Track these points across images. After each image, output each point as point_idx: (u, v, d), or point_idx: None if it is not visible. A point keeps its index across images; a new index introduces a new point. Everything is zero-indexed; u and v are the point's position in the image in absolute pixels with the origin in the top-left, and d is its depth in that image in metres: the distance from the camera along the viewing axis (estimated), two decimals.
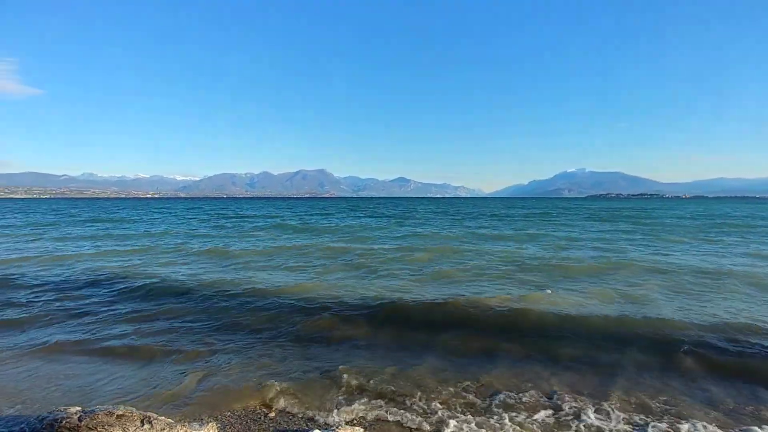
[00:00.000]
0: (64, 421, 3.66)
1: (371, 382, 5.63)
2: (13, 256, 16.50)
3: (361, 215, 49.08)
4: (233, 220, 40.79)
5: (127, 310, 9.01)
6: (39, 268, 14.00)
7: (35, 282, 11.83)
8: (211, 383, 5.60)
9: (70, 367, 6.19)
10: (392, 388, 5.49)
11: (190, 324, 8.04)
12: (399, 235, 25.33)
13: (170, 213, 55.17)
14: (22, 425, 3.86)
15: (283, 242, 21.64)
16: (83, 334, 7.57)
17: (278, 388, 5.39)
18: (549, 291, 10.22)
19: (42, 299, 9.99)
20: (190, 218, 43.42)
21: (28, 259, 15.78)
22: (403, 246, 19.43)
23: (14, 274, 12.88)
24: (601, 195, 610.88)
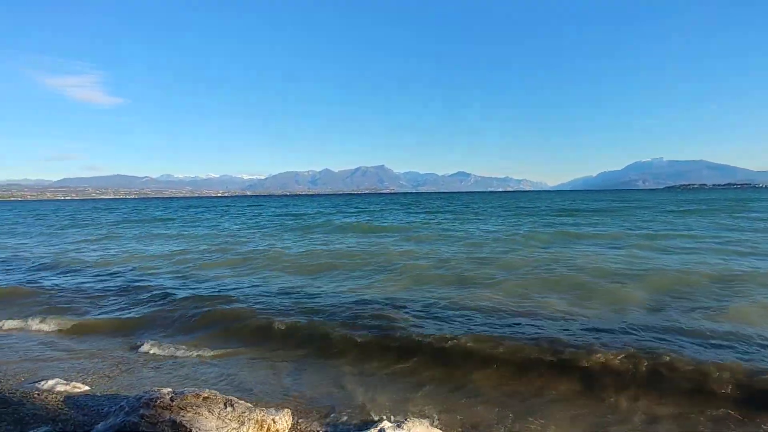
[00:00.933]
0: (158, 400, 3.99)
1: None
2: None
3: (419, 211, 48.63)
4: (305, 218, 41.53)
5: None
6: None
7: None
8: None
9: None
10: None
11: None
12: (462, 232, 23.47)
13: (237, 211, 58.15)
14: (122, 402, 4.24)
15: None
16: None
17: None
18: None
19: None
20: (253, 216, 45.54)
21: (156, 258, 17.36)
22: (472, 241, 19.15)
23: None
24: (681, 186, 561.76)
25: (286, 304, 8.90)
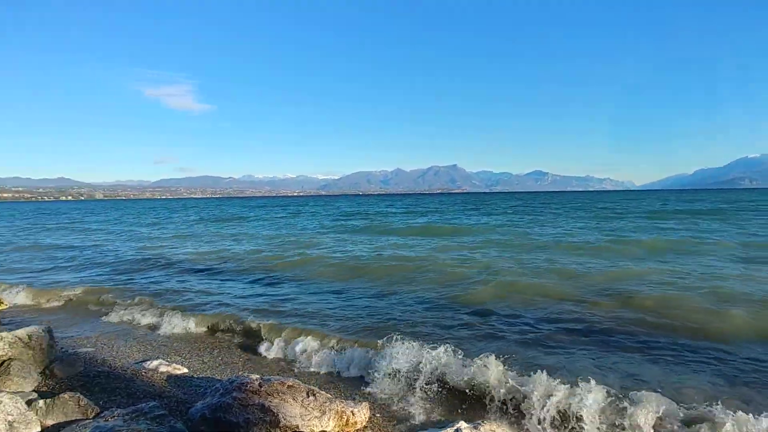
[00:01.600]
0: (248, 385, 4.29)
1: None
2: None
3: (493, 211, 47.09)
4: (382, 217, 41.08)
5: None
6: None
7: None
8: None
9: None
10: None
11: None
12: (547, 237, 19.90)
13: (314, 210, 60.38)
14: (217, 384, 4.60)
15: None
16: None
17: None
18: None
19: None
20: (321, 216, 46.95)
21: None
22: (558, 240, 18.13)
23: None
24: None
25: (358, 311, 8.97)
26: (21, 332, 5.57)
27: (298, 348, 6.61)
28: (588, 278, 10.89)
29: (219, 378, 5.51)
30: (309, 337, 6.89)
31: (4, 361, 5.22)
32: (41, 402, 4.18)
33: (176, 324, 8.16)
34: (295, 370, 6.08)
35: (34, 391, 4.87)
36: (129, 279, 12.72)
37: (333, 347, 6.59)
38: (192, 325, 8.11)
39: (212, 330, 8.01)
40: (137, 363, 6.11)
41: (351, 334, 7.24)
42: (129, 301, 9.75)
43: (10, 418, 3.87)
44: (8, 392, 4.31)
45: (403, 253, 15.81)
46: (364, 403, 4.72)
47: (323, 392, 4.61)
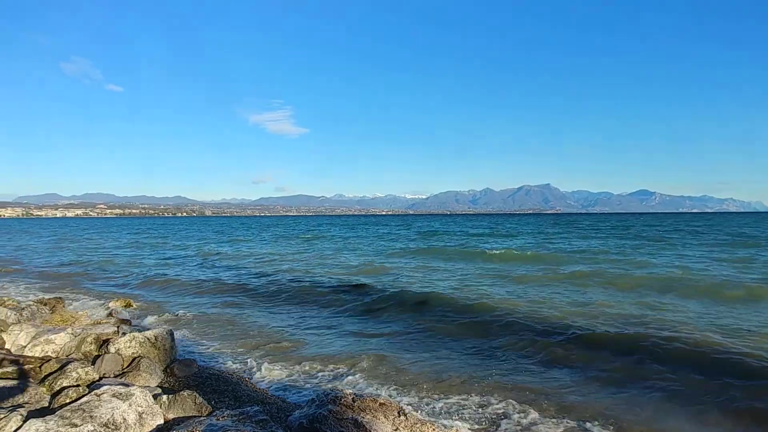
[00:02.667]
0: (342, 399, 4.44)
1: None
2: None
3: (592, 234, 43.63)
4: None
5: None
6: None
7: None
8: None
9: None
10: None
11: None
12: (670, 269, 15.94)
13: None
14: (313, 395, 4.81)
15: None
16: None
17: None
18: None
19: None
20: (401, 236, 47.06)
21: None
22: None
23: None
24: None
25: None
26: (150, 333, 6.33)
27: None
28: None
29: (315, 387, 5.77)
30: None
31: (135, 358, 5.96)
32: (165, 397, 4.68)
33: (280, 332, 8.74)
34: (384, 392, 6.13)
35: (158, 386, 5.48)
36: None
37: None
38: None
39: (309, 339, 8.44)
40: (246, 367, 6.62)
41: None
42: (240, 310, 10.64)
43: (140, 409, 4.38)
44: (139, 386, 4.90)
45: (494, 291, 12.88)
46: (454, 428, 4.64)
47: (414, 413, 4.62)
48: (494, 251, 24.13)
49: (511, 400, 5.55)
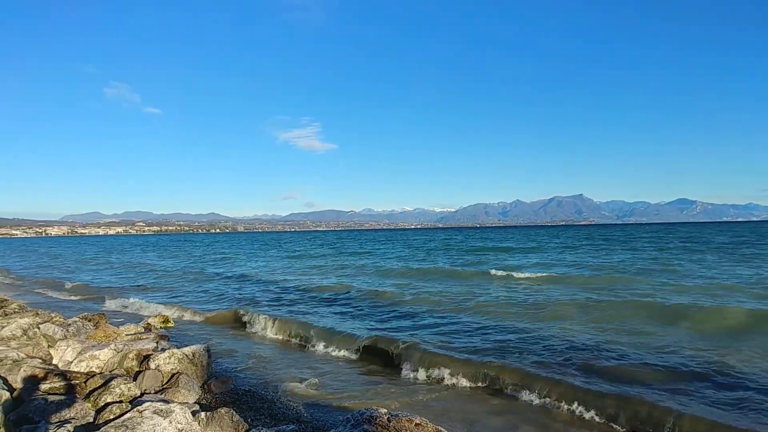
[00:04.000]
0: (378, 419, 4.38)
1: None
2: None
3: (627, 247, 41.72)
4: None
5: None
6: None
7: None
8: None
9: None
10: None
11: None
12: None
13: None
14: (348, 415, 4.77)
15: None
16: None
17: None
18: None
19: None
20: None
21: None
22: None
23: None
24: None
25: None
26: (187, 350, 6.47)
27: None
28: None
29: (350, 406, 5.73)
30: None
31: (174, 374, 6.09)
32: (203, 414, 4.75)
33: (316, 347, 8.83)
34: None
35: (195, 403, 5.57)
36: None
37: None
38: (331, 348, 8.70)
39: (351, 353, 8.43)
40: (279, 384, 6.67)
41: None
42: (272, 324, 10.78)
43: (179, 426, 4.46)
44: (178, 403, 4.99)
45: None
46: None
47: None
48: (499, 272, 19.96)
49: None
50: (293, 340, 9.75)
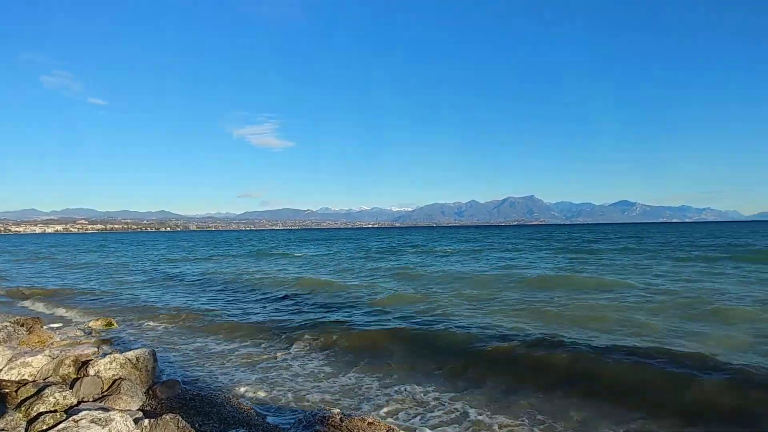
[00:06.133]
0: (330, 419, 4.37)
1: None
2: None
3: (568, 247, 44.04)
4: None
5: None
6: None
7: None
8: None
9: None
10: None
11: None
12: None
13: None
14: (300, 416, 4.72)
15: None
16: None
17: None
18: None
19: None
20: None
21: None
22: None
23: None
24: None
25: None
26: (131, 354, 6.17)
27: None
28: None
29: (302, 407, 5.67)
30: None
31: (116, 380, 5.80)
32: (146, 421, 4.55)
33: (263, 349, 8.59)
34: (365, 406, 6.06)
35: (139, 410, 5.32)
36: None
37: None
38: (276, 350, 8.50)
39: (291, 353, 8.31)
40: (231, 386, 6.48)
41: None
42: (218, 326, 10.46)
43: None
44: (119, 410, 4.76)
45: None
46: None
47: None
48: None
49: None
50: (245, 341, 9.51)
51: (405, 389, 6.53)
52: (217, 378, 7.07)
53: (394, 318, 11.10)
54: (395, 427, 4.51)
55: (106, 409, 4.49)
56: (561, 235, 74.99)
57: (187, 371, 7.44)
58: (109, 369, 5.94)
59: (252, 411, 5.55)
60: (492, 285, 16.24)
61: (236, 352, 8.61)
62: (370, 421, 4.43)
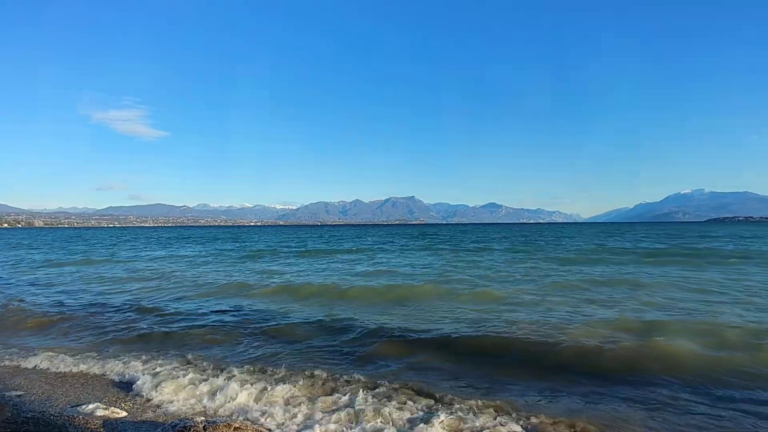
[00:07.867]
0: (192, 429, 4.16)
1: None
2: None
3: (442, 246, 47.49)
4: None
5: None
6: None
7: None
8: None
9: None
10: None
11: None
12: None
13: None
14: (159, 429, 4.42)
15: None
16: None
17: None
18: None
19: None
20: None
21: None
22: None
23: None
24: (725, 218, 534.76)
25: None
26: None
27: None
28: None
29: (162, 421, 5.26)
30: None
31: None
32: None
33: (114, 364, 7.74)
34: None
35: None
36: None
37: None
38: (128, 366, 7.72)
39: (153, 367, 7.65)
40: (72, 407, 5.74)
41: None
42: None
43: None
44: None
45: None
46: None
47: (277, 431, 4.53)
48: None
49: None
50: (92, 353, 8.46)
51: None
52: (67, 396, 6.22)
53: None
54: (265, 429, 4.46)
55: None
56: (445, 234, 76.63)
57: (29, 391, 6.41)
58: None
59: (102, 429, 5.01)
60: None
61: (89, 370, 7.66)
62: (237, 425, 4.33)
